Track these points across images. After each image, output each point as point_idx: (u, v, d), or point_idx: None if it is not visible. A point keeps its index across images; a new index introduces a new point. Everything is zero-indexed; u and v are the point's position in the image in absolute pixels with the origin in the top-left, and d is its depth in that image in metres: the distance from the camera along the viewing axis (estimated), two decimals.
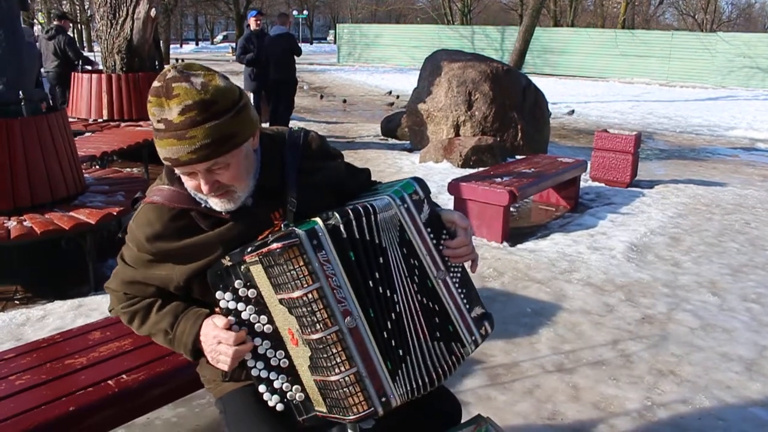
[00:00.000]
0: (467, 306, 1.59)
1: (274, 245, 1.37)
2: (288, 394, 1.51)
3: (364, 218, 1.45)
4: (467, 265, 1.68)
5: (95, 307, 3.78)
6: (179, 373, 2.21)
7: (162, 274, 1.59)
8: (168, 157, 1.41)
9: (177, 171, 1.47)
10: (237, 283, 1.48)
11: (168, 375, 2.19)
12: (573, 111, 14.56)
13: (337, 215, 1.44)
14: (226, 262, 1.48)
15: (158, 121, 1.38)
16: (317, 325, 1.38)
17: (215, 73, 1.44)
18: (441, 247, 1.59)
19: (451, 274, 1.59)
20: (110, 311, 1.75)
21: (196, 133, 1.36)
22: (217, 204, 1.50)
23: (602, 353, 3.44)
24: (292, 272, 1.37)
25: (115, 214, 4.19)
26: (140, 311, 1.65)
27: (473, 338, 1.58)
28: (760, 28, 51.13)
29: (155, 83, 1.40)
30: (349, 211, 1.45)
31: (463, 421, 1.69)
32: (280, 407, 1.52)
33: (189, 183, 1.48)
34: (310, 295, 1.37)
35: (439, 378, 1.51)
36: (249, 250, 1.44)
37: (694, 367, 3.31)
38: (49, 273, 4.38)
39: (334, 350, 1.39)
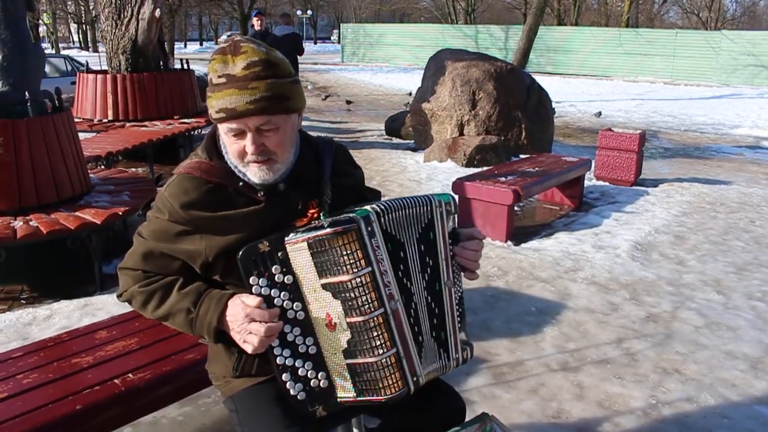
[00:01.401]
0: (459, 325, 1.65)
1: (331, 229, 1.41)
2: (311, 382, 1.54)
3: (398, 212, 1.53)
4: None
5: (101, 307, 3.80)
6: (185, 372, 2.22)
7: (190, 248, 1.56)
8: (224, 108, 1.45)
9: (225, 128, 1.49)
10: (274, 269, 1.49)
11: (174, 374, 2.20)
12: (600, 113, 14.11)
13: (377, 207, 1.50)
14: (264, 247, 1.49)
15: (219, 76, 1.45)
16: (364, 307, 1.43)
17: (276, 51, 1.53)
18: (453, 261, 1.65)
19: (455, 289, 1.65)
20: (119, 296, 1.68)
21: (258, 85, 1.44)
22: (255, 174, 1.52)
23: (607, 352, 3.44)
24: (346, 256, 1.42)
25: (120, 213, 4.21)
26: (160, 290, 1.59)
27: (456, 356, 1.63)
28: (764, 26, 50.93)
29: (222, 45, 1.48)
30: (388, 204, 1.52)
31: (467, 419, 1.70)
32: (301, 396, 1.53)
33: (234, 147, 1.51)
34: (360, 279, 1.42)
35: (442, 368, 1.58)
36: (292, 235, 1.48)
37: (699, 366, 3.31)
38: (55, 273, 4.41)
39: (377, 332, 1.44)
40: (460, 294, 1.66)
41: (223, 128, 1.50)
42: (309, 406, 1.54)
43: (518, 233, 5.44)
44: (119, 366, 2.21)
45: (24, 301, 4.05)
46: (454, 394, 1.74)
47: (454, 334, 1.61)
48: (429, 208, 1.58)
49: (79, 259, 4.39)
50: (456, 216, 1.68)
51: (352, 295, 1.43)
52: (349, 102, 15.96)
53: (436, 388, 1.68)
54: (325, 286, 1.46)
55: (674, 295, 4.21)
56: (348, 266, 1.42)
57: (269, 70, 1.45)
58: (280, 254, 1.49)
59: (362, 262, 1.42)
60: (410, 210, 1.55)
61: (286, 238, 1.48)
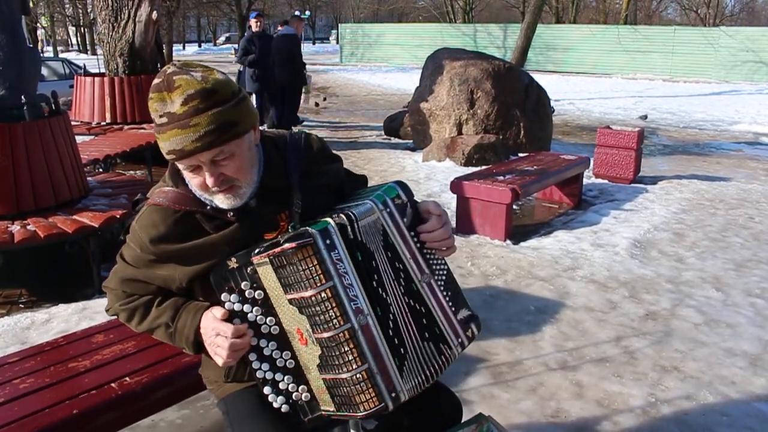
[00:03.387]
0: (453, 309, 1.59)
1: (287, 245, 1.38)
2: (294, 395, 1.52)
3: (364, 220, 1.47)
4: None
5: (99, 310, 3.79)
6: (182, 375, 2.22)
7: (164, 274, 1.59)
8: (173, 149, 1.40)
9: (181, 165, 1.46)
10: (243, 285, 1.49)
11: (171, 377, 2.20)
12: (646, 116, 13.39)
13: (343, 216, 1.45)
14: (232, 263, 1.49)
15: (161, 116, 1.39)
16: (330, 323, 1.39)
17: (213, 69, 1.45)
18: (425, 251, 1.58)
19: (436, 277, 1.59)
20: (107, 311, 1.73)
21: (199, 120, 1.37)
22: (222, 201, 1.50)
23: (606, 350, 3.44)
24: (305, 271, 1.38)
25: (118, 217, 4.20)
26: (140, 308, 1.64)
27: (459, 340, 1.58)
28: (763, 22, 50.89)
29: (155, 80, 1.41)
30: (353, 212, 1.46)
31: (464, 419, 1.70)
32: (285, 408, 1.52)
33: (194, 180, 1.48)
34: (323, 294, 1.38)
35: (432, 376, 1.52)
36: (257, 251, 1.45)
37: (698, 363, 3.31)
38: (53, 276, 4.40)
39: (346, 348, 1.40)
40: (444, 277, 1.60)
41: (179, 164, 1.47)
42: (294, 418, 1.54)
43: (517, 232, 5.44)
44: (116, 370, 2.21)
45: (22, 305, 4.05)
46: (451, 395, 1.74)
47: (449, 323, 1.57)
48: (376, 213, 1.51)
49: (78, 262, 4.39)
50: (413, 200, 1.59)
51: (317, 310, 1.40)
52: (317, 104, 15.06)
53: (432, 389, 1.68)
54: (291, 302, 1.44)
55: (673, 292, 4.20)
56: (308, 281, 1.39)
57: (208, 100, 1.38)
58: (249, 270, 1.48)
59: (321, 277, 1.38)
60: (368, 218, 1.49)
61: (252, 254, 1.47)
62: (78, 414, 1.96)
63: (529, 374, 3.20)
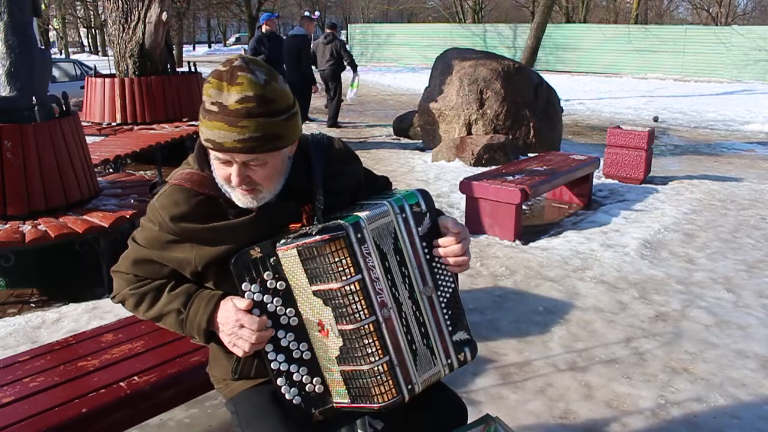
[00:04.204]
0: (450, 328, 1.57)
1: (319, 237, 1.40)
2: (307, 387, 1.53)
3: (372, 222, 1.48)
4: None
5: (109, 310, 3.81)
6: (191, 374, 2.23)
7: (180, 256, 1.58)
8: (212, 140, 1.41)
9: (214, 155, 1.47)
10: (266, 275, 1.49)
11: (180, 376, 2.21)
12: (657, 118, 13.07)
13: (369, 212, 1.47)
14: (255, 253, 1.49)
15: (212, 103, 1.40)
16: (354, 315, 1.42)
17: (277, 75, 1.46)
18: (434, 264, 1.57)
19: (439, 293, 1.57)
20: (113, 297, 1.72)
21: (248, 124, 1.38)
22: (239, 199, 1.51)
23: (615, 351, 3.42)
24: (334, 263, 1.40)
25: (128, 217, 4.23)
26: (150, 292, 1.63)
27: (448, 361, 1.56)
28: None
29: (220, 67, 1.43)
30: (378, 210, 1.49)
31: (473, 420, 1.69)
32: (297, 400, 1.53)
33: (220, 171, 1.49)
34: (351, 287, 1.41)
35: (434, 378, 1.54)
36: (282, 241, 1.47)
37: (709, 365, 3.29)
38: (63, 276, 4.43)
39: (369, 340, 1.42)
40: (448, 295, 1.59)
41: (210, 152, 1.49)
42: (305, 411, 1.54)
43: (526, 232, 5.42)
44: (125, 369, 2.22)
45: (33, 305, 4.08)
46: (454, 397, 1.73)
47: (442, 341, 1.55)
48: (390, 217, 1.51)
49: (88, 262, 4.41)
50: (429, 214, 1.57)
51: (343, 302, 1.42)
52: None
53: (437, 391, 1.68)
54: (316, 293, 1.46)
55: (684, 293, 4.18)
56: (337, 274, 1.41)
57: (263, 107, 1.39)
58: (272, 260, 1.49)
59: (352, 269, 1.40)
60: (380, 219, 1.50)
61: (277, 245, 1.48)
62: (87, 412, 1.97)
63: (537, 375, 3.19)
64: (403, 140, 10.34)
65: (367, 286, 1.42)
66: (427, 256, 1.56)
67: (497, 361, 3.32)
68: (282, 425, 1.55)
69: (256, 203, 1.52)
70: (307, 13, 10.05)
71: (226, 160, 1.45)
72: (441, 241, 1.57)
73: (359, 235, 1.42)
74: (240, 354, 1.52)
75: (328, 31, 11.68)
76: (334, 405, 1.53)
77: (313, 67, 11.36)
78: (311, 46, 11.33)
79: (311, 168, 1.63)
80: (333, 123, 11.72)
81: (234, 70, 1.40)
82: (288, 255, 1.46)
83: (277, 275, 1.49)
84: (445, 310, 1.57)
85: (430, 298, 1.55)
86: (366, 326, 1.42)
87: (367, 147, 9.59)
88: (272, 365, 1.53)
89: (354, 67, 11.65)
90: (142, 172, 7.50)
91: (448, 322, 1.58)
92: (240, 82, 1.38)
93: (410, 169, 7.97)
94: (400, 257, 1.52)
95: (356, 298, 1.41)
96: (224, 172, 1.48)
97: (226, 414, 2.77)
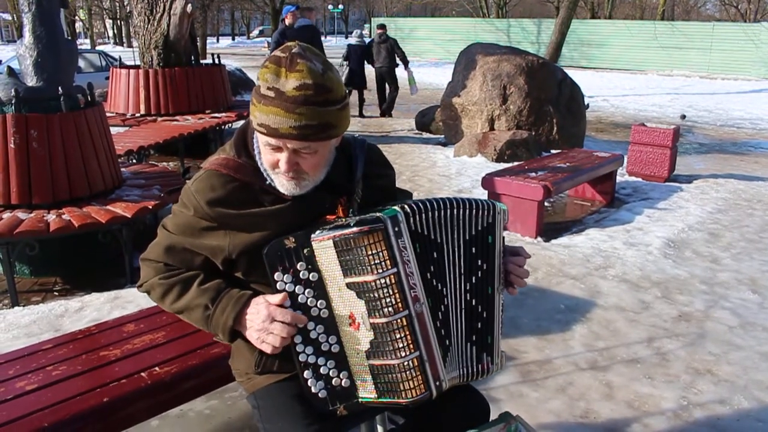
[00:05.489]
0: (500, 331, 1.63)
1: (357, 228, 1.40)
2: (333, 381, 1.53)
3: (431, 213, 1.50)
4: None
5: (131, 299, 3.84)
6: (211, 366, 2.23)
7: (213, 243, 1.57)
8: (266, 125, 1.41)
9: (265, 140, 1.46)
10: (299, 266, 1.49)
11: (200, 368, 2.22)
12: (685, 116, 12.89)
13: (407, 207, 1.48)
14: (290, 243, 1.49)
15: (268, 88, 1.40)
16: (388, 308, 1.42)
17: (332, 65, 1.47)
18: (502, 271, 1.64)
19: (502, 296, 1.63)
20: (139, 286, 1.70)
21: (305, 111, 1.39)
22: (283, 185, 1.51)
23: (637, 351, 3.38)
24: (370, 256, 1.40)
25: (150, 207, 4.26)
26: (179, 283, 1.60)
27: (497, 361, 1.61)
28: None
29: (279, 53, 1.42)
30: (420, 204, 1.50)
31: (493, 418, 1.68)
32: (322, 394, 1.53)
33: (268, 156, 1.49)
34: (385, 280, 1.41)
35: (466, 377, 1.54)
36: (318, 232, 1.47)
37: (733, 367, 3.24)
38: (86, 265, 4.48)
39: (400, 334, 1.43)
40: (503, 303, 1.63)
41: (260, 137, 1.48)
42: (330, 405, 1.53)
43: (548, 229, 5.38)
44: (146, 359, 2.23)
45: (57, 293, 4.13)
46: (477, 395, 1.72)
47: (498, 339, 1.60)
48: (490, 213, 1.57)
49: (110, 252, 4.46)
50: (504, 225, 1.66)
51: (376, 295, 1.42)
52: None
53: (459, 388, 1.66)
54: (349, 285, 1.45)
55: (707, 293, 4.12)
56: (373, 266, 1.41)
57: (321, 95, 1.39)
58: (305, 251, 1.48)
59: (388, 262, 1.40)
60: (457, 211, 1.52)
61: (312, 235, 1.47)
62: (108, 402, 1.98)
63: (558, 373, 3.16)
64: (425, 135, 10.31)
65: (402, 280, 1.42)
66: (502, 261, 1.63)
67: (517, 358, 3.30)
68: (303, 422, 1.54)
69: (299, 191, 1.52)
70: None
71: (277, 147, 1.45)
72: (516, 259, 1.67)
73: (396, 229, 1.43)
74: (268, 351, 1.51)
75: (379, 31, 12.24)
76: (360, 400, 1.52)
77: (369, 66, 12.26)
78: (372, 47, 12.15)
79: (353, 162, 1.64)
80: (386, 111, 12.49)
81: (294, 57, 1.40)
82: (323, 246, 1.46)
83: (310, 266, 1.49)
84: (501, 314, 1.62)
85: (499, 298, 1.60)
86: (398, 320, 1.42)
87: (389, 141, 9.58)
88: (300, 357, 1.53)
89: (406, 63, 12.18)
90: (165, 164, 7.55)
91: (501, 325, 1.62)
92: (300, 69, 1.39)
93: (432, 164, 7.94)
94: (479, 249, 1.56)
95: (390, 292, 1.41)
96: (273, 158, 1.48)
97: (245, 406, 2.79)
